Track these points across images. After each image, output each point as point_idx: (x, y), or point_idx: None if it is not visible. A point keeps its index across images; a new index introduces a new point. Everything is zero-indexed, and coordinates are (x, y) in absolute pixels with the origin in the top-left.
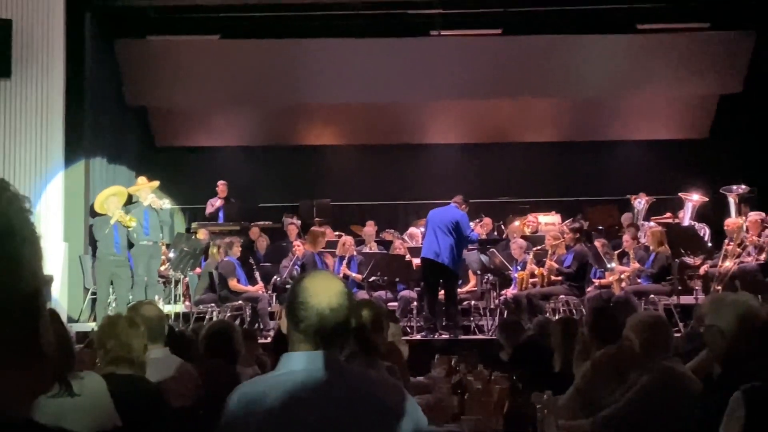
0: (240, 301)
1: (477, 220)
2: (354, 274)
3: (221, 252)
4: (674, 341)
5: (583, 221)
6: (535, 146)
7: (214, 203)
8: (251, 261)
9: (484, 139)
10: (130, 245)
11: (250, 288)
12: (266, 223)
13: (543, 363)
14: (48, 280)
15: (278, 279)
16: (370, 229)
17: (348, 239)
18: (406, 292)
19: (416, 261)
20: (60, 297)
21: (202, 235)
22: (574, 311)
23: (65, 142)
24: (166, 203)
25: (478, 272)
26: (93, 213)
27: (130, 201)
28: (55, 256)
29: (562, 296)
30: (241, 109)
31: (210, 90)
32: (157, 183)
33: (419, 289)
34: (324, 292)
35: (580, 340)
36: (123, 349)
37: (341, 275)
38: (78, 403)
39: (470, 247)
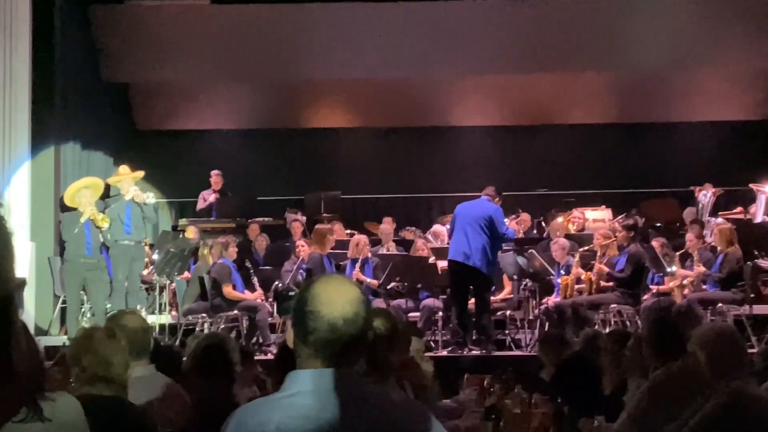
0: (236, 311)
1: (513, 216)
2: (369, 280)
3: (214, 253)
4: (747, 358)
5: (639, 217)
6: (581, 129)
7: (207, 197)
8: (248, 264)
9: (522, 121)
10: (107, 248)
11: (247, 295)
12: (266, 219)
13: (591, 384)
14: (20, 284)
15: (280, 285)
16: (387, 226)
17: (361, 238)
18: (429, 301)
19: (442, 264)
20: (27, 305)
21: (192, 233)
22: (627, 323)
23: (31, 125)
24: (151, 197)
25: (515, 277)
26: (63, 207)
27: (107, 194)
28: (21, 258)
29: (613, 305)
30: (237, 86)
31: (201, 63)
32: (141, 173)
33: (445, 297)
34: (337, 300)
35: (635, 357)
36: (101, 366)
37: (354, 281)
38: (49, 429)
39: (505, 247)
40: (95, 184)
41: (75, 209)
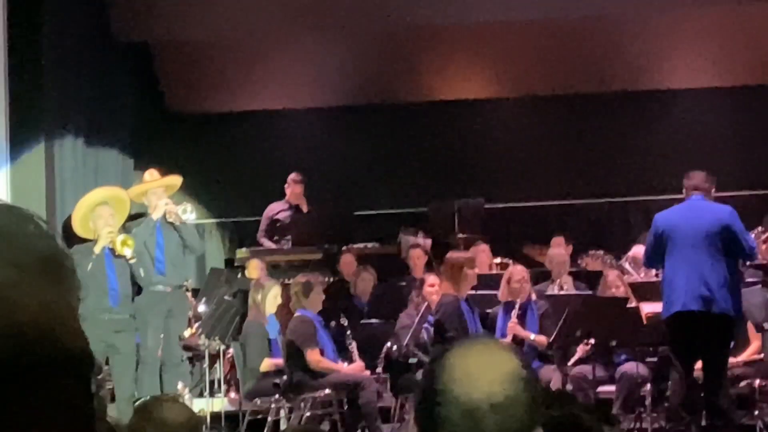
0: (327, 390)
1: (760, 228)
2: (533, 336)
3: (293, 300)
4: None
5: None
6: None
7: (279, 213)
8: (343, 319)
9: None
10: (140, 290)
11: (343, 366)
12: (369, 245)
13: None
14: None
15: (394, 348)
16: (560, 250)
17: (519, 272)
18: (630, 366)
19: (649, 308)
20: None
21: (256, 270)
22: None
23: (9, 114)
24: (189, 210)
25: (766, 326)
26: (70, 239)
27: (133, 216)
28: None
29: None
30: (317, 39)
31: (259, 9)
32: (178, 179)
33: (655, 359)
34: (480, 376)
35: None
36: None
37: (509, 337)
38: None
39: (747, 279)
40: (116, 197)
41: (90, 240)
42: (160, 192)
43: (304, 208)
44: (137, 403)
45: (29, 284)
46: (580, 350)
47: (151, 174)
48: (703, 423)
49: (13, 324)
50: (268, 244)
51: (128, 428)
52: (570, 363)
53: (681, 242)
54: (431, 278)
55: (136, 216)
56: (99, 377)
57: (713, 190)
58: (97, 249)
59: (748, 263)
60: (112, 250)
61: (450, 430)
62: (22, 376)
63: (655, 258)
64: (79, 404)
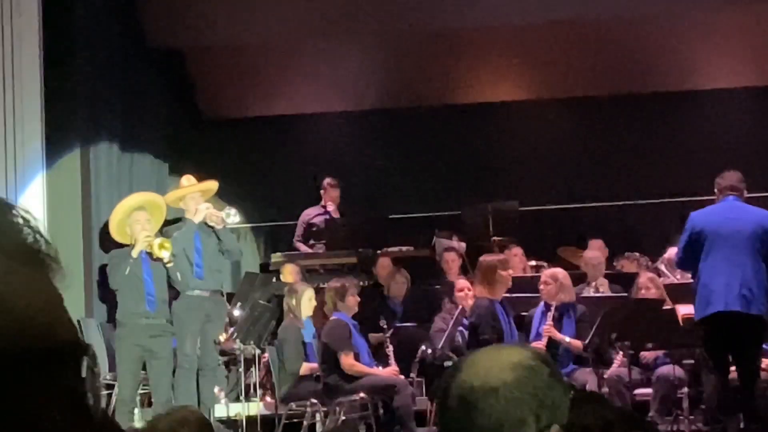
0: (362, 394)
1: None
2: (568, 339)
3: (328, 304)
4: None
5: None
6: None
7: (315, 217)
8: (382, 321)
9: None
10: (176, 294)
11: (378, 370)
12: (404, 249)
13: None
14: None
15: (429, 351)
16: (596, 253)
17: (556, 274)
18: (667, 369)
19: (685, 310)
20: None
21: (291, 275)
22: None
23: (45, 120)
24: (233, 214)
25: None
26: (106, 244)
27: (168, 222)
28: None
29: None
30: (349, 43)
31: (291, 14)
32: (214, 185)
33: (693, 361)
34: (481, 363)
35: None
36: None
37: (544, 342)
38: None
39: None
40: (152, 203)
41: (125, 246)
42: (197, 197)
43: (335, 213)
44: (169, 410)
45: (17, 272)
46: (618, 360)
47: (188, 179)
48: (741, 425)
49: (4, 312)
50: (303, 248)
51: None
52: (608, 373)
53: (721, 243)
54: (461, 283)
55: (173, 222)
56: (92, 361)
57: (745, 191)
58: (134, 253)
59: None
60: (150, 255)
61: (449, 416)
62: (16, 366)
63: (689, 258)
64: (71, 391)
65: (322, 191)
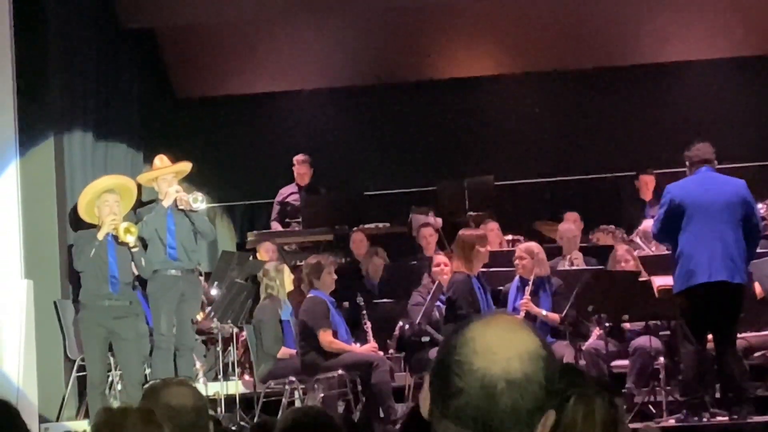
0: (340, 371)
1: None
2: (545, 313)
3: (305, 282)
4: None
5: None
6: None
7: (289, 196)
8: (359, 299)
9: None
10: (141, 281)
11: (356, 347)
12: (380, 226)
13: None
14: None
15: (407, 327)
16: (571, 226)
17: (531, 248)
18: (643, 341)
19: (661, 281)
20: (24, 377)
21: (267, 253)
22: None
23: (17, 107)
24: (200, 198)
25: None
26: (76, 224)
27: (140, 201)
28: (10, 303)
29: None
30: (322, 20)
31: None
32: (187, 165)
33: (669, 332)
34: (500, 350)
35: None
36: None
37: (522, 314)
38: None
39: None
40: (122, 186)
41: (95, 226)
42: (170, 178)
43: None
44: (146, 387)
45: None
46: (595, 334)
47: (161, 160)
48: (717, 395)
49: None
50: (278, 227)
51: (137, 411)
52: (585, 346)
53: (702, 214)
54: (438, 258)
55: (149, 202)
56: None
57: (713, 157)
58: (100, 236)
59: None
60: (116, 238)
61: (465, 401)
62: None
63: (668, 230)
64: None
65: (294, 169)
